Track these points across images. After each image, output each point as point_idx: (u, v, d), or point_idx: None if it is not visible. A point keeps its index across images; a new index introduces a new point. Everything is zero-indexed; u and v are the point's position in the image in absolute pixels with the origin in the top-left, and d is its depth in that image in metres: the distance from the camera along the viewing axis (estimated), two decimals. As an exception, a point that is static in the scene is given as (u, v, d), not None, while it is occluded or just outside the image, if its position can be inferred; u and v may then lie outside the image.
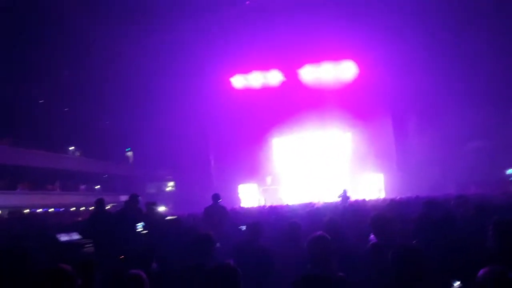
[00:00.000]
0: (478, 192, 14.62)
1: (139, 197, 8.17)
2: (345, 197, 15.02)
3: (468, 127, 22.72)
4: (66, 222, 13.38)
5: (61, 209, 24.33)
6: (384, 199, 13.94)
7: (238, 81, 25.81)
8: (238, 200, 23.74)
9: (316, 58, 23.79)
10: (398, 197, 12.40)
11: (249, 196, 24.31)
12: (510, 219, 3.91)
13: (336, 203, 13.41)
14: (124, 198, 10.49)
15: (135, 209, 7.99)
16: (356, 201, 12.29)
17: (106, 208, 9.34)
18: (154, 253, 4.20)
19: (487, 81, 21.89)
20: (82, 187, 27.94)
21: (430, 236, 4.31)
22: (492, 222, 4.02)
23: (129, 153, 32.48)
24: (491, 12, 19.50)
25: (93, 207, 8.74)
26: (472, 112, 21.92)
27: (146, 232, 7.65)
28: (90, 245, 7.13)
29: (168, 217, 8.96)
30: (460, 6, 19.34)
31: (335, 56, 23.64)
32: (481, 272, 2.43)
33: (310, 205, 11.18)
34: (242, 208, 16.01)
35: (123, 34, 21.13)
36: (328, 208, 9.92)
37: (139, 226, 7.88)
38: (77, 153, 28.53)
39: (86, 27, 20.15)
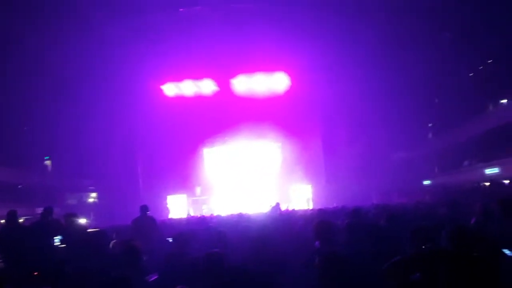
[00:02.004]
0: (399, 201, 15.60)
1: (53, 209, 7.59)
2: (276, 208, 15.18)
3: (391, 140, 24.34)
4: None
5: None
6: (313, 209, 14.29)
7: (170, 89, 25.26)
8: (167, 211, 23.02)
9: (249, 68, 24.07)
10: (324, 208, 12.75)
11: (178, 207, 23.69)
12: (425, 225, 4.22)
13: (267, 213, 13.46)
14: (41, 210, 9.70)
15: (52, 222, 7.37)
16: (286, 211, 12.44)
17: (19, 221, 8.53)
18: (64, 267, 3.89)
19: (409, 97, 23.66)
20: (-8, 198, 25.38)
21: (359, 243, 4.45)
22: (410, 230, 4.32)
23: (48, 162, 30.24)
24: (418, 35, 21.09)
25: (3, 220, 7.93)
26: (396, 125, 23.53)
27: (65, 246, 7.09)
28: (0, 260, 6.57)
29: (90, 230, 8.40)
30: (390, 25, 20.69)
31: (268, 67, 24.10)
32: None
33: (239, 216, 11.09)
34: (171, 219, 15.50)
35: (46, 34, 19.80)
36: (259, 218, 9.94)
37: (57, 240, 7.30)
38: (-13, 161, 25.93)
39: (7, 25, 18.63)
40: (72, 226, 7.37)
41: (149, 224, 7.96)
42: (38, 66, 21.38)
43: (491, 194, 12.42)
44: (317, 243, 4.35)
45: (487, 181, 18.97)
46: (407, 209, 9.80)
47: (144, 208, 8.31)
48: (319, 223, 4.55)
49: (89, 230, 8.10)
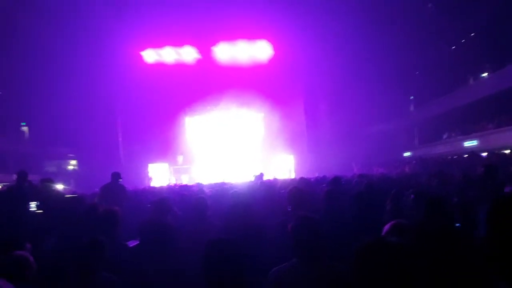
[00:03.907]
0: (378, 172, 15.84)
1: (27, 173, 7.38)
2: (259, 177, 15.24)
3: (373, 111, 24.51)
4: None
5: None
6: (294, 179, 14.36)
7: (150, 56, 24.63)
8: (149, 179, 22.91)
9: (231, 35, 23.53)
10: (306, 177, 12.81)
11: (160, 175, 23.58)
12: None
13: (250, 182, 13.50)
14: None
15: (27, 187, 7.18)
16: (268, 180, 12.48)
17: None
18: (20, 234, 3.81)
19: (391, 69, 23.69)
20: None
21: (337, 209, 4.48)
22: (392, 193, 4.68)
23: (24, 128, 29.53)
24: (402, 9, 20.89)
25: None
26: (378, 97, 23.64)
27: (41, 212, 6.95)
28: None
29: (68, 195, 8.27)
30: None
31: (251, 35, 23.60)
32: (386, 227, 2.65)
33: (221, 185, 11.09)
34: (152, 187, 15.40)
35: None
36: (241, 187, 9.95)
37: (33, 205, 7.13)
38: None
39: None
40: (48, 191, 7.20)
41: (117, 192, 7.73)
42: (15, 30, 20.51)
43: (470, 166, 12.74)
44: (289, 208, 4.44)
45: (466, 154, 19.38)
46: (388, 179, 9.97)
47: (116, 175, 8.06)
48: (292, 189, 4.70)
49: (66, 196, 7.95)
